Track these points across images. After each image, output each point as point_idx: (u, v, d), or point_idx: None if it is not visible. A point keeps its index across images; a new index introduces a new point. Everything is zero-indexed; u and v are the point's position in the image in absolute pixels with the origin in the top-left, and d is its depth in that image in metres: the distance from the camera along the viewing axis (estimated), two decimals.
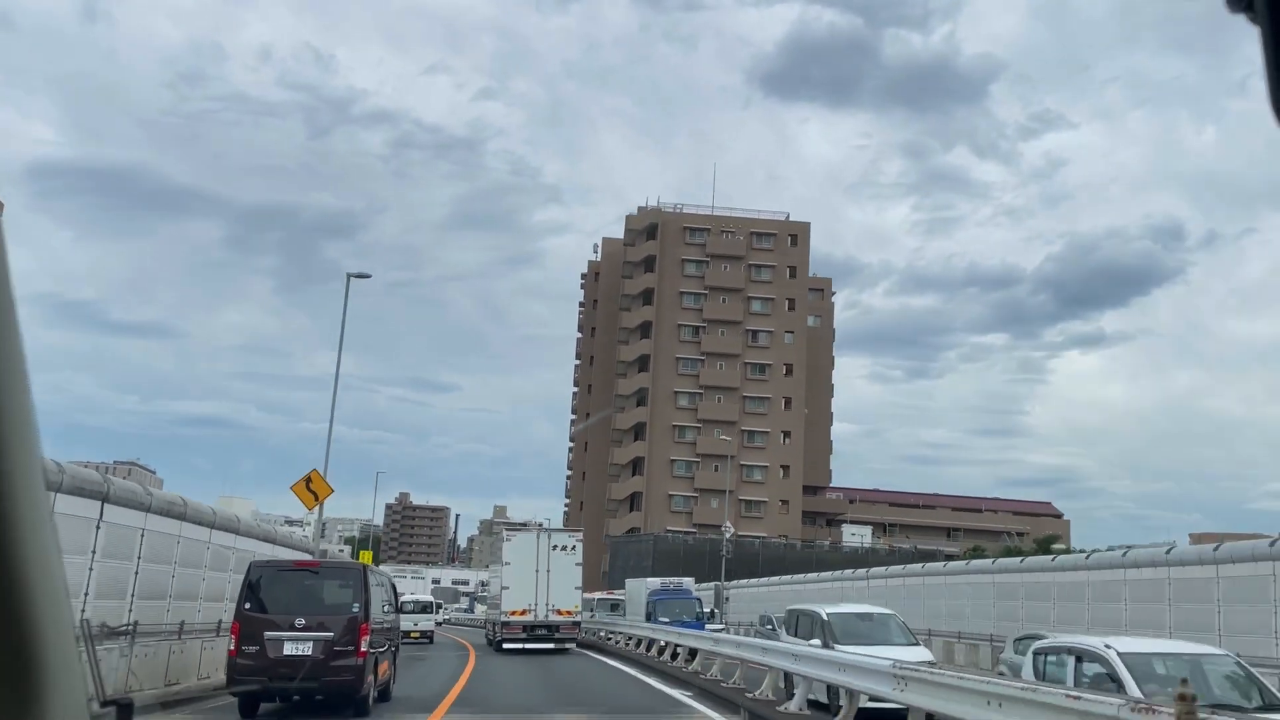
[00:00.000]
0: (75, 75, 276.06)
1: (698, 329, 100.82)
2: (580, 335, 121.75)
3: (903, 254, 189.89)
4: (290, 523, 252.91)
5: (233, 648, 15.34)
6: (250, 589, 15.65)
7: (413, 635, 39.12)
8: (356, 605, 15.53)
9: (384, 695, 17.57)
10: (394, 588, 20.46)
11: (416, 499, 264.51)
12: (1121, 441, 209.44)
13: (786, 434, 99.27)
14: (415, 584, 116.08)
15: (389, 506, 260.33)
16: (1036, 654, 11.89)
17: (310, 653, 14.97)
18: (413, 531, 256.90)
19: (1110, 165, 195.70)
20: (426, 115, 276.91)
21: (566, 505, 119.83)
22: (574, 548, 35.31)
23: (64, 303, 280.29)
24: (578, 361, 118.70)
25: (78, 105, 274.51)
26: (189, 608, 20.37)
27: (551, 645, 34.30)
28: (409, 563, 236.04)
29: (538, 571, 34.20)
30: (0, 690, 1.18)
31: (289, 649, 14.97)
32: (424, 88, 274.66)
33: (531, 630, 34.13)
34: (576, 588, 35.02)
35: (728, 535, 65.35)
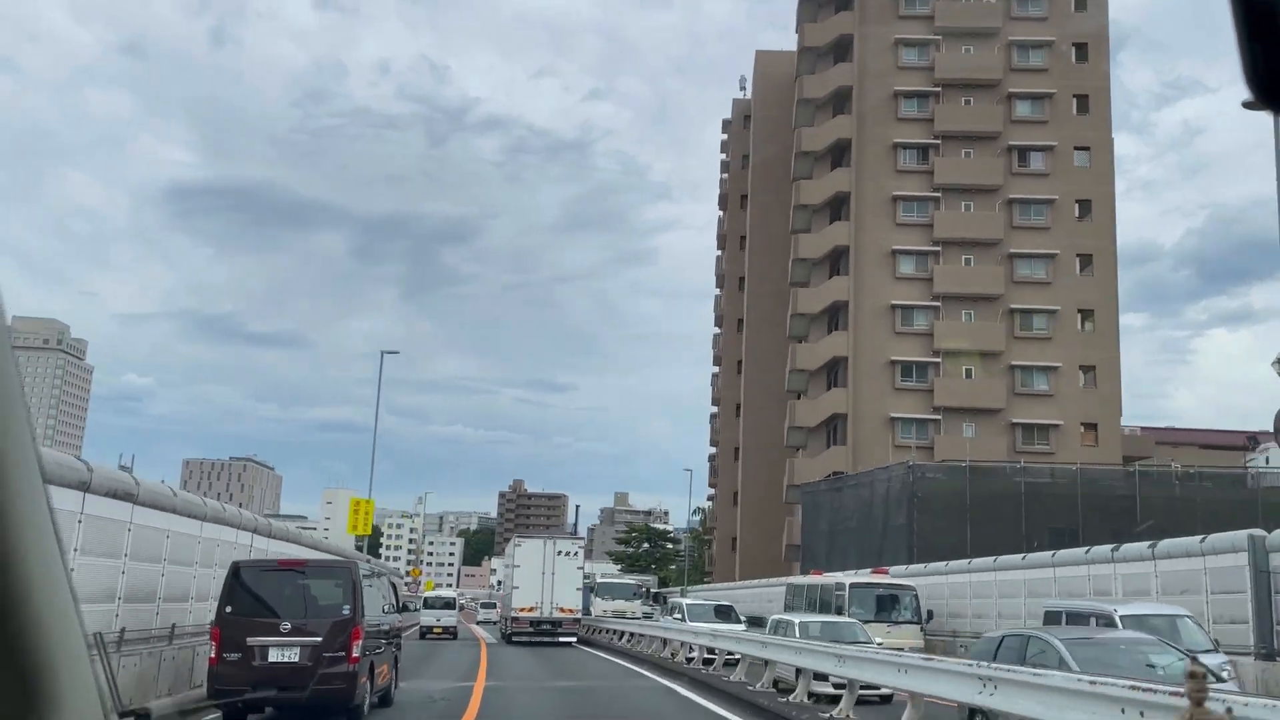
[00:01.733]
0: (207, 99, 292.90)
1: (925, 150, 61.40)
2: (722, 214, 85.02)
3: None
4: (404, 516, 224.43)
5: (213, 655, 13.86)
6: (232, 591, 14.12)
7: (436, 630, 42.37)
8: (348, 606, 13.98)
9: (384, 701, 16.42)
10: (395, 586, 19.64)
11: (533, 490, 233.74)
12: None
13: (1086, 315, 58.79)
14: None
15: (502, 495, 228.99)
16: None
17: (298, 659, 13.58)
18: (529, 521, 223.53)
19: (1254, 130, 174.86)
20: (537, 119, 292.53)
21: (714, 454, 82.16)
22: (575, 553, 39.33)
23: (204, 317, 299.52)
24: (721, 268, 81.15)
25: (210, 127, 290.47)
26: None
27: (555, 639, 37.58)
28: None
29: (544, 574, 37.69)
30: (11, 701, 1.14)
31: (275, 655, 13.60)
32: (533, 92, 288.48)
33: (538, 625, 37.62)
34: (577, 589, 38.86)
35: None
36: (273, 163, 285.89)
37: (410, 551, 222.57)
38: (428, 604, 46.28)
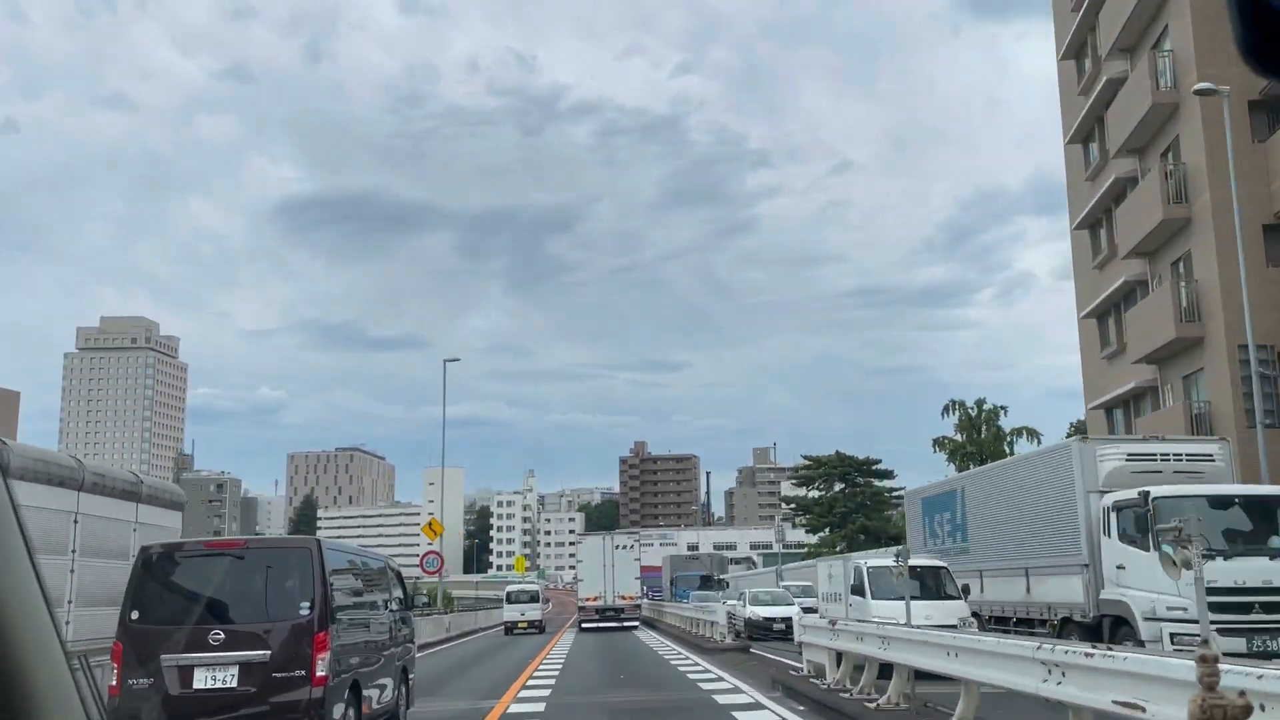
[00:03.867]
0: (308, 114, 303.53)
1: None
2: None
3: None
4: (500, 498, 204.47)
5: (114, 682, 9.52)
6: (139, 588, 9.90)
7: (521, 625, 42.18)
8: (306, 605, 9.74)
9: None
10: (399, 575, 13.66)
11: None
12: None
13: None
14: (660, 551, 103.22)
15: (623, 462, 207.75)
16: None
17: (236, 683, 9.40)
18: (655, 489, 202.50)
19: None
20: (628, 100, 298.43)
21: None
22: (631, 546, 43.29)
23: (326, 327, 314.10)
24: None
25: (313, 141, 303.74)
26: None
27: (618, 624, 41.22)
28: (654, 525, 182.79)
29: (604, 566, 41.54)
30: None
31: (202, 679, 9.43)
32: (621, 72, 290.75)
33: (603, 612, 41.39)
34: (636, 578, 42.28)
35: None
36: (375, 169, 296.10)
37: (525, 532, 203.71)
38: (511, 598, 44.21)
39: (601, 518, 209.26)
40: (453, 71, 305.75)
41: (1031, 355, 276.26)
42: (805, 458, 77.91)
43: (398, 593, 13.25)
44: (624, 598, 41.42)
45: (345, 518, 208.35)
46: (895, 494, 69.22)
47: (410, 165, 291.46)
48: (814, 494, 75.84)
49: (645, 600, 47.35)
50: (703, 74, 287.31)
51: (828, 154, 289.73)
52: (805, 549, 74.15)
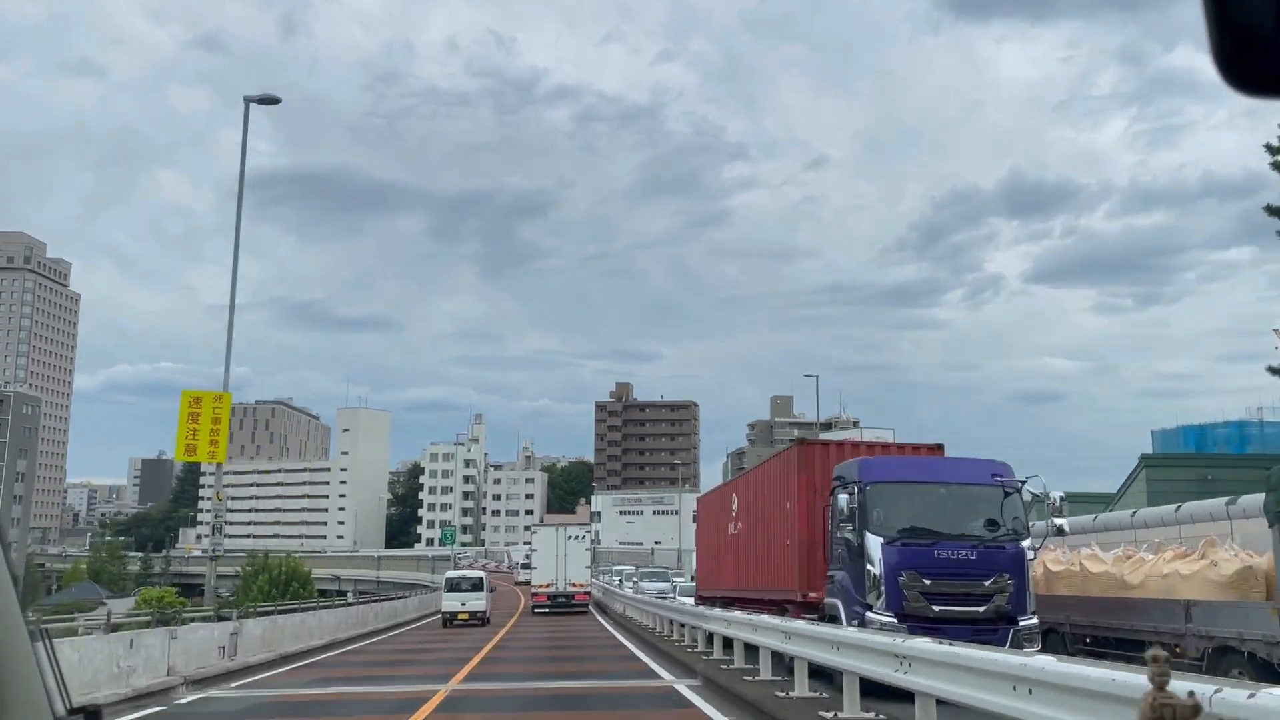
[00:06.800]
0: (282, 88, 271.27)
1: None
2: None
3: (1123, 171, 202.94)
4: (434, 449, 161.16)
5: None
6: None
7: (461, 617, 38.68)
8: None
9: None
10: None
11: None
12: None
13: None
14: (659, 522, 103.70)
15: (601, 409, 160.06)
16: None
17: None
18: (642, 447, 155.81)
19: None
20: (607, 86, 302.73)
21: None
22: (583, 537, 46.62)
23: (293, 305, 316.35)
24: None
25: (287, 116, 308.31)
26: None
27: (571, 610, 43.92)
28: (639, 485, 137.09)
29: (558, 556, 44.31)
30: None
31: None
32: (601, 59, 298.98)
33: (554, 599, 44.21)
34: (586, 566, 46.27)
35: None
36: (348, 147, 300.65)
37: (466, 496, 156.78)
38: (451, 585, 40.36)
39: (569, 482, 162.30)
40: (430, 51, 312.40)
41: (999, 357, 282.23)
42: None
43: None
44: (575, 585, 44.65)
45: (235, 473, 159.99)
46: None
47: (384, 145, 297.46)
48: None
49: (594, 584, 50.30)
50: (683, 63, 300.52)
51: (803, 149, 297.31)
52: None
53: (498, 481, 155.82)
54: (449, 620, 38.55)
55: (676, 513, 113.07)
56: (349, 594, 76.05)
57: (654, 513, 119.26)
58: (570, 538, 45.09)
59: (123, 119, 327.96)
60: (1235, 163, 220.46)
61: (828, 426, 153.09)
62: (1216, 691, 4.95)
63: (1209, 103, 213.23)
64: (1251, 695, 4.93)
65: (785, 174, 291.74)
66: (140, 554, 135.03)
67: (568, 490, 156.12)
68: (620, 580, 54.62)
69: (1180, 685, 2.21)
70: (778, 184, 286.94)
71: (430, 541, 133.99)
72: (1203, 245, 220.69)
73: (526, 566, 62.25)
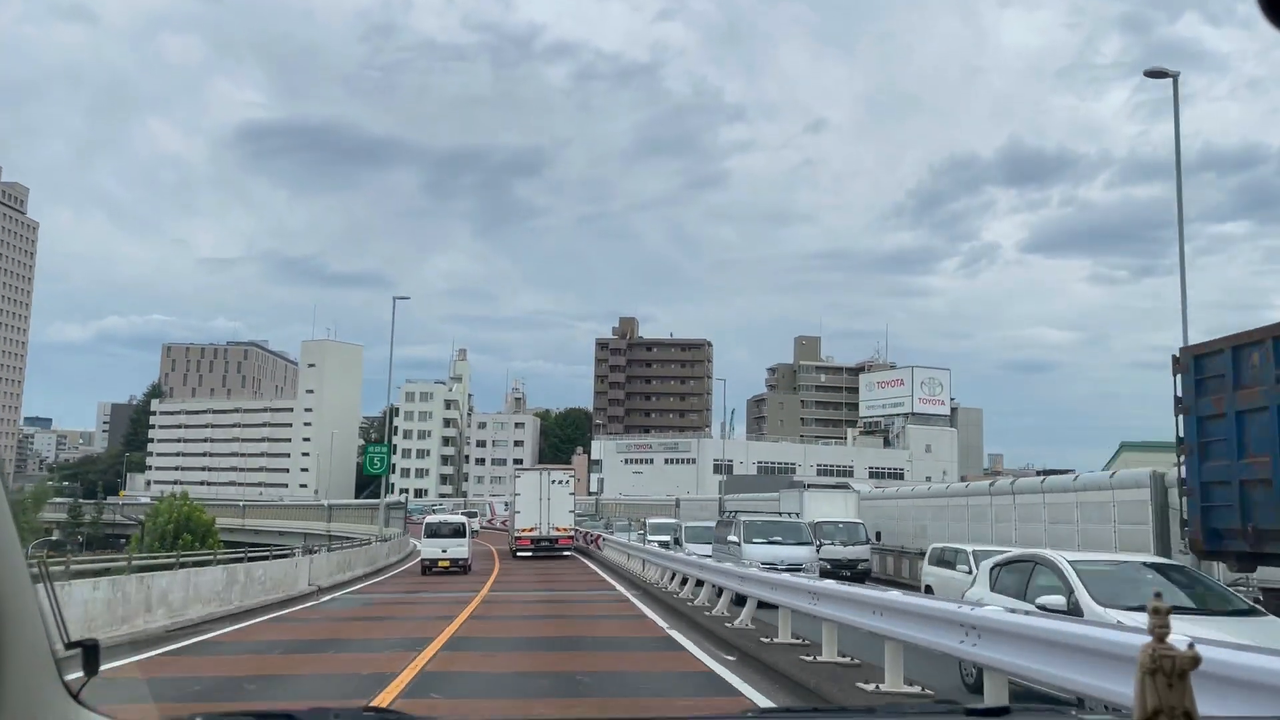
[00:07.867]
0: (277, 38, 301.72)
1: None
2: None
3: (1124, 141, 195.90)
4: (411, 388, 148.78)
5: None
6: None
7: (442, 564, 36.75)
8: None
9: None
10: None
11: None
12: None
13: None
14: (672, 472, 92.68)
15: (602, 348, 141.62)
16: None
17: None
18: (648, 387, 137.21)
19: None
20: (606, 44, 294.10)
21: None
22: (566, 481, 45.57)
23: (286, 259, 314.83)
24: None
25: (280, 66, 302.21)
26: None
27: (553, 554, 43.74)
28: (643, 433, 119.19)
29: (541, 500, 43.98)
30: None
31: None
32: (601, 15, 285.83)
33: (538, 543, 43.99)
34: (570, 511, 45.40)
35: None
36: (343, 100, 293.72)
37: (447, 441, 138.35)
38: (430, 531, 37.58)
39: (565, 429, 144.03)
40: (428, 2, 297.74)
41: (993, 327, 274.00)
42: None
43: None
44: (559, 529, 44.26)
45: (189, 412, 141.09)
46: None
47: (379, 98, 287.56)
48: None
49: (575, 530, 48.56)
50: (684, 22, 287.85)
51: (803, 112, 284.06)
52: None
53: (483, 426, 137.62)
54: (429, 568, 36.27)
55: (694, 461, 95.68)
56: (297, 550, 59.32)
57: (666, 461, 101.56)
58: (554, 482, 44.75)
59: (113, 66, 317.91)
60: (1235, 134, 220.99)
61: (859, 371, 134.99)
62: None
63: (1210, 74, 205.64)
64: None
65: (784, 137, 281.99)
66: (69, 500, 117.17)
67: (564, 439, 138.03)
68: (671, 543, 34.32)
69: (1180, 638, 1.98)
70: (776, 147, 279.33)
71: (405, 492, 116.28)
72: (1200, 218, 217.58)
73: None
